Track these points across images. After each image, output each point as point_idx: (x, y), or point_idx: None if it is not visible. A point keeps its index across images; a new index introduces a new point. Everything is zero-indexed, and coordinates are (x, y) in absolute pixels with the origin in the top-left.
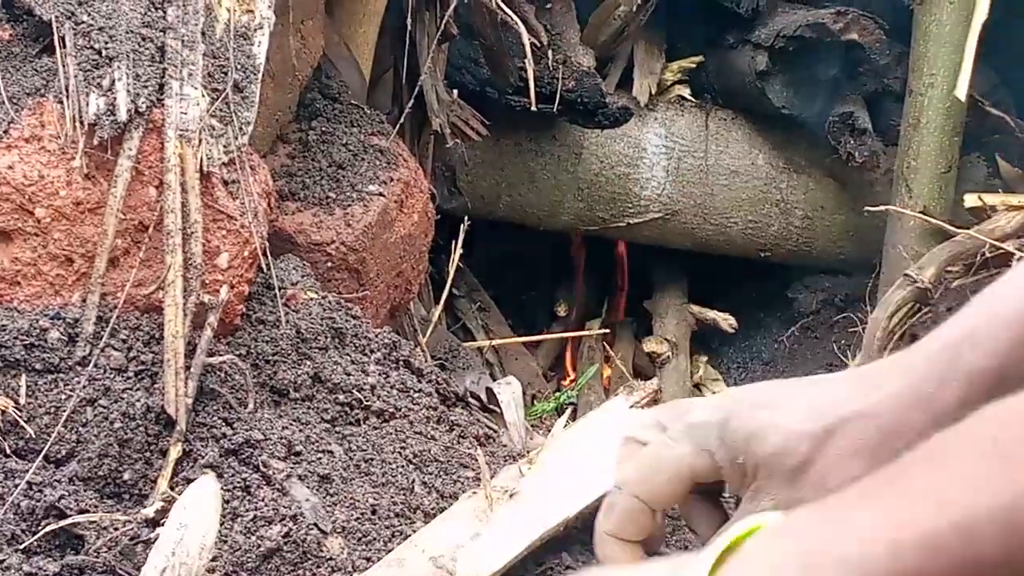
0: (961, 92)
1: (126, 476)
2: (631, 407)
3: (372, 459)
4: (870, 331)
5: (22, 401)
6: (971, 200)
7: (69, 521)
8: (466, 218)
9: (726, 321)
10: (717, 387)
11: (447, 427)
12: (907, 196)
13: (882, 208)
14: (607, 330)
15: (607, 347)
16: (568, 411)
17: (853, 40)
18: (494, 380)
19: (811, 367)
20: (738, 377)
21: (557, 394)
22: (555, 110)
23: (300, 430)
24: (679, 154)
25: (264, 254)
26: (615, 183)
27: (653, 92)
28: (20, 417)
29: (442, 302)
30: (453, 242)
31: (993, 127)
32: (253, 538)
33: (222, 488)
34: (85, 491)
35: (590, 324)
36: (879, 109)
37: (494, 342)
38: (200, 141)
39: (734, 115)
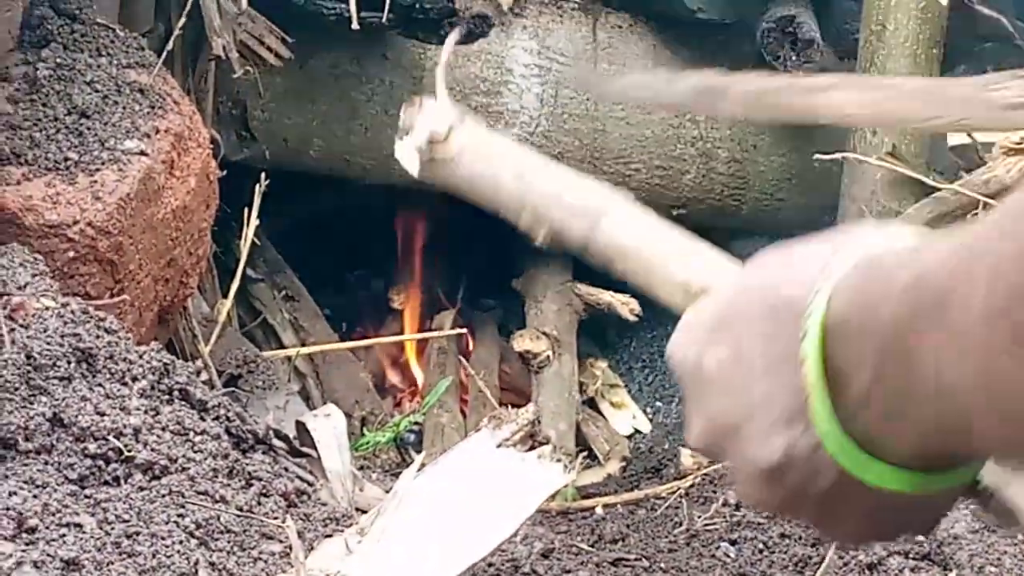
0: None
1: None
2: (499, 446)
3: (138, 533)
4: None
5: None
6: (956, 138)
7: None
8: (263, 174)
9: (626, 306)
10: (616, 397)
11: (243, 482)
12: (870, 133)
13: (836, 155)
14: (463, 329)
15: (465, 349)
16: (418, 459)
17: None
18: (308, 405)
19: None
20: (643, 382)
21: (396, 419)
22: (384, 21)
23: (35, 496)
24: (556, 76)
25: None
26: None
27: None
28: None
29: (231, 294)
30: (247, 209)
31: (985, 33)
32: None
33: None
34: None
35: (439, 319)
36: (828, 12)
37: (307, 349)
38: None
39: (632, 21)
